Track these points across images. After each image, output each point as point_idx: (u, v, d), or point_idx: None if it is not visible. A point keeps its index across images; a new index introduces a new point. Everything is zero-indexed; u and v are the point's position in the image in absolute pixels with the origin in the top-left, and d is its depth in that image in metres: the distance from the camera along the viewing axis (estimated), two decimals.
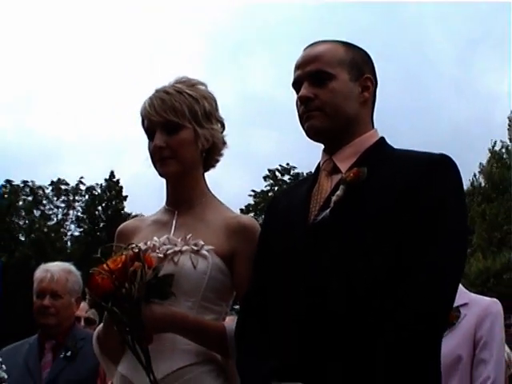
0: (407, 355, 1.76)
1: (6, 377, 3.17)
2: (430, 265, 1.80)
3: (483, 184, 23.62)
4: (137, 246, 2.06)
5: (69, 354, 3.34)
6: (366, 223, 1.86)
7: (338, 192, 1.92)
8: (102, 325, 2.23)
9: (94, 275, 2.00)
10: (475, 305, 3.14)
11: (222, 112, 2.33)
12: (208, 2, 51.75)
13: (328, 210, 1.91)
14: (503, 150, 24.32)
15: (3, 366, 3.19)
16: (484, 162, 24.56)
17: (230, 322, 2.34)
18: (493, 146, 24.60)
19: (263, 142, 46.56)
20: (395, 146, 2.05)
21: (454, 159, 1.94)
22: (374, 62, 2.10)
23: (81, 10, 47.74)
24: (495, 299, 3.28)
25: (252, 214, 32.93)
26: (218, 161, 2.35)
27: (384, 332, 1.77)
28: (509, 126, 24.10)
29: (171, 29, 54.31)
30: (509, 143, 24.05)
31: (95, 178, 32.39)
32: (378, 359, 1.76)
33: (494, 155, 24.39)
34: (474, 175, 24.32)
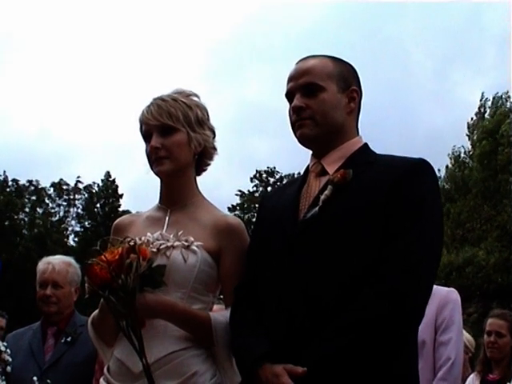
0: (377, 336, 1.76)
1: (10, 360, 3.19)
2: (407, 251, 1.81)
3: (447, 186, 23.76)
4: (132, 239, 2.06)
5: (69, 339, 3.36)
6: (351, 220, 1.87)
7: (326, 192, 1.94)
8: (97, 310, 2.23)
9: (93, 265, 2.00)
10: (436, 294, 3.18)
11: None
12: (210, 17, 51.76)
13: (317, 208, 1.93)
14: (462, 155, 24.56)
15: (8, 350, 3.21)
16: (449, 165, 24.72)
17: (217, 310, 2.36)
18: (456, 151, 24.79)
19: (253, 146, 46.89)
20: (379, 150, 2.07)
21: (431, 163, 1.96)
22: (359, 75, 2.12)
23: (87, 23, 47.60)
24: (453, 289, 3.34)
25: (238, 213, 32.89)
26: (208, 165, 2.36)
27: (360, 313, 1.77)
28: (468, 133, 24.34)
29: (172, 41, 54.25)
30: (470, 148, 24.24)
31: (93, 178, 32.34)
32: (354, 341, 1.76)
33: (457, 159, 24.58)
34: (440, 177, 24.43)
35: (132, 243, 2.03)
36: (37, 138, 45.67)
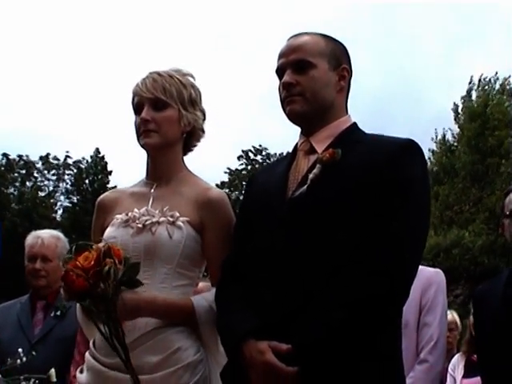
0: (366, 316, 1.77)
1: None
2: (393, 231, 1.82)
3: (435, 168, 23.70)
4: (106, 242, 2.02)
5: (58, 313, 3.37)
6: (339, 199, 1.87)
7: (315, 170, 1.94)
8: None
9: (68, 272, 1.94)
10: (420, 275, 3.15)
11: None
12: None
13: (305, 187, 1.93)
14: (449, 138, 24.52)
15: None
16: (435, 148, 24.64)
17: (202, 287, 2.39)
18: (443, 135, 24.72)
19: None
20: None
21: (419, 144, 1.97)
22: (349, 54, 2.12)
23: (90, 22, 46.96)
24: (438, 270, 3.34)
25: (227, 190, 32.91)
26: (195, 145, 2.38)
27: (347, 293, 1.78)
28: (454, 115, 24.25)
29: (183, 28, 53.32)
30: (457, 130, 24.18)
31: (83, 154, 32.11)
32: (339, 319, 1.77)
33: (444, 143, 24.51)
34: (429, 158, 24.32)
35: (106, 247, 1.96)
36: (29, 114, 45.20)
